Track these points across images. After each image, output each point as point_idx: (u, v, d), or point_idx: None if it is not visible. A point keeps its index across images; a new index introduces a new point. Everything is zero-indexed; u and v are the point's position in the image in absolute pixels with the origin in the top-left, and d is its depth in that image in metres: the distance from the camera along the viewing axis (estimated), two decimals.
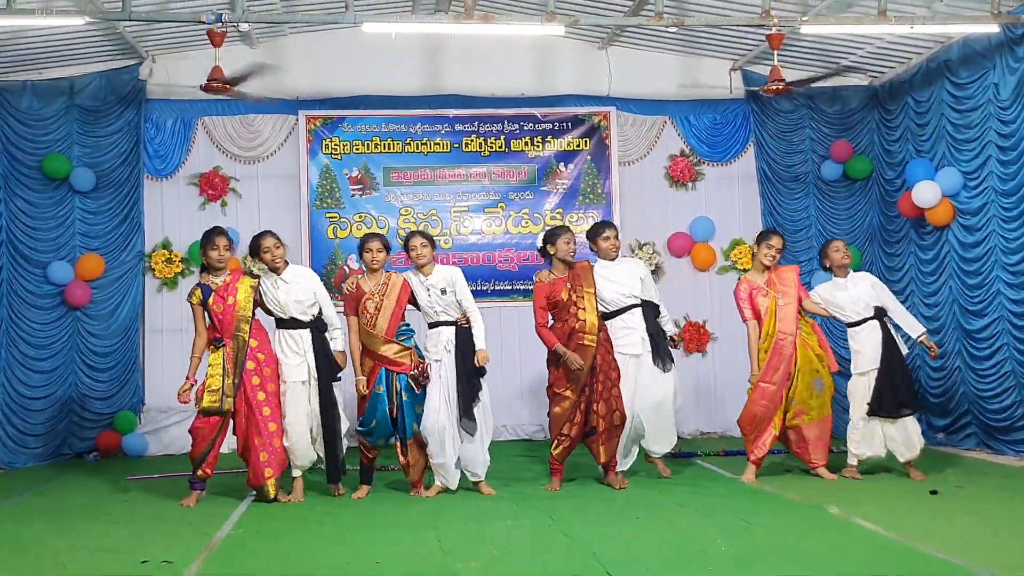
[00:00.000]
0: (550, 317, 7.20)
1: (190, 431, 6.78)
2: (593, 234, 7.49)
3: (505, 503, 6.65)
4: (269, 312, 7.00)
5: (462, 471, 7.02)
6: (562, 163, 10.19)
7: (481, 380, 6.97)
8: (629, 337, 7.30)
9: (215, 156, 9.94)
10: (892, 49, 9.42)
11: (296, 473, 6.94)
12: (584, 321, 7.03)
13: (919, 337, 7.38)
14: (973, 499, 6.51)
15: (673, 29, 8.23)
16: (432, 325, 7.04)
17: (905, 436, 7.29)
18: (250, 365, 6.75)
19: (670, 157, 10.36)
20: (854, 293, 7.48)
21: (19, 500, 7.18)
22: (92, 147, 9.51)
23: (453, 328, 6.96)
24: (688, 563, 4.99)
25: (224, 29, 7.53)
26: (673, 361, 7.46)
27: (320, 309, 7.00)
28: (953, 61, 8.71)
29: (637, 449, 7.48)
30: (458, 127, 10.12)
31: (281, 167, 9.99)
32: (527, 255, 10.10)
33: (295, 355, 6.88)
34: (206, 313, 6.79)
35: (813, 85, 9.57)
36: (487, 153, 10.14)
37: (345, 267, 9.87)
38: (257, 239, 6.99)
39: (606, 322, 7.27)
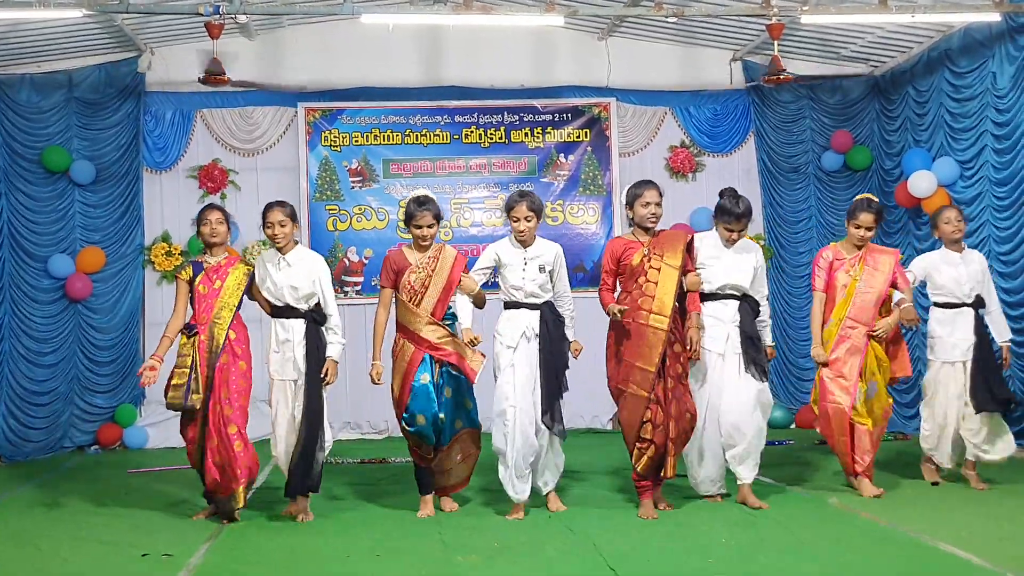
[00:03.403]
0: (617, 284, 6.11)
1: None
2: (720, 216, 6.21)
3: (505, 496, 6.62)
4: (263, 302, 6.19)
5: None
6: (562, 154, 10.17)
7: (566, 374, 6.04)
8: (714, 330, 6.11)
9: (214, 148, 9.90)
10: (893, 38, 9.39)
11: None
12: (651, 297, 5.85)
13: (1002, 343, 6.72)
14: (974, 491, 6.48)
15: (673, 19, 8.24)
16: (510, 306, 6.02)
17: (989, 434, 6.53)
18: (223, 359, 5.99)
19: (670, 148, 10.33)
20: (962, 273, 6.63)
21: (20, 493, 7.18)
22: (91, 140, 9.48)
23: (538, 313, 5.95)
24: (691, 555, 5.00)
25: (222, 21, 7.52)
26: (768, 374, 6.22)
27: (319, 301, 6.09)
28: (954, 50, 8.68)
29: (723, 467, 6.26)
30: (458, 119, 10.09)
31: (280, 159, 9.95)
32: None
33: (284, 349, 6.04)
34: (191, 294, 6.14)
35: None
36: (487, 145, 10.12)
37: (346, 260, 9.85)
38: (264, 211, 6.17)
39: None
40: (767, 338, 6.36)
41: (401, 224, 9.34)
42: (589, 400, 9.47)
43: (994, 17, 7.82)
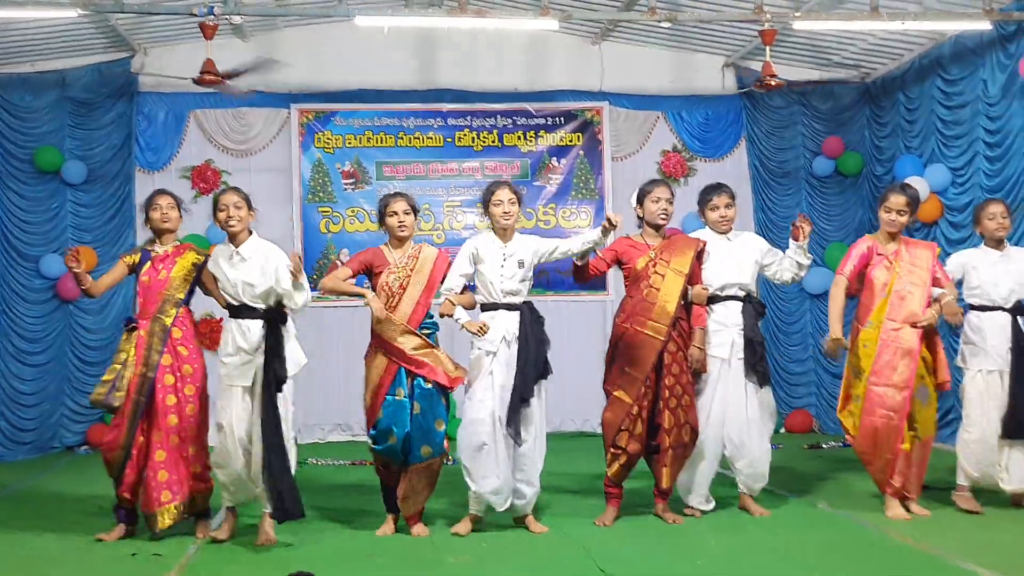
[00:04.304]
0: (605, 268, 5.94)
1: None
2: (701, 201, 6.06)
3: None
4: (219, 297, 5.61)
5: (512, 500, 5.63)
6: (555, 158, 10.19)
7: (542, 381, 5.58)
8: (718, 335, 5.85)
9: (207, 149, 9.90)
10: (884, 46, 9.44)
11: (227, 502, 5.53)
12: (652, 304, 5.66)
13: None
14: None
15: (666, 24, 8.24)
16: (487, 308, 5.60)
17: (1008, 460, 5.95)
18: (166, 360, 5.49)
19: (662, 152, 10.36)
20: (1000, 272, 5.99)
21: (10, 493, 7.16)
22: (84, 140, 9.49)
23: (517, 314, 5.54)
24: (680, 559, 5.01)
25: (216, 22, 7.51)
26: (769, 379, 6.00)
27: (281, 298, 5.39)
28: (945, 58, 8.74)
29: (710, 480, 6.01)
30: (451, 121, 10.11)
31: (273, 161, 9.96)
32: None
33: (242, 352, 5.36)
34: (136, 285, 5.73)
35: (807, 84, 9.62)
36: (480, 148, 10.14)
37: (338, 262, 9.85)
38: (217, 196, 5.64)
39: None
40: (797, 256, 5.94)
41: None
42: (579, 403, 9.49)
43: (985, 25, 7.86)
